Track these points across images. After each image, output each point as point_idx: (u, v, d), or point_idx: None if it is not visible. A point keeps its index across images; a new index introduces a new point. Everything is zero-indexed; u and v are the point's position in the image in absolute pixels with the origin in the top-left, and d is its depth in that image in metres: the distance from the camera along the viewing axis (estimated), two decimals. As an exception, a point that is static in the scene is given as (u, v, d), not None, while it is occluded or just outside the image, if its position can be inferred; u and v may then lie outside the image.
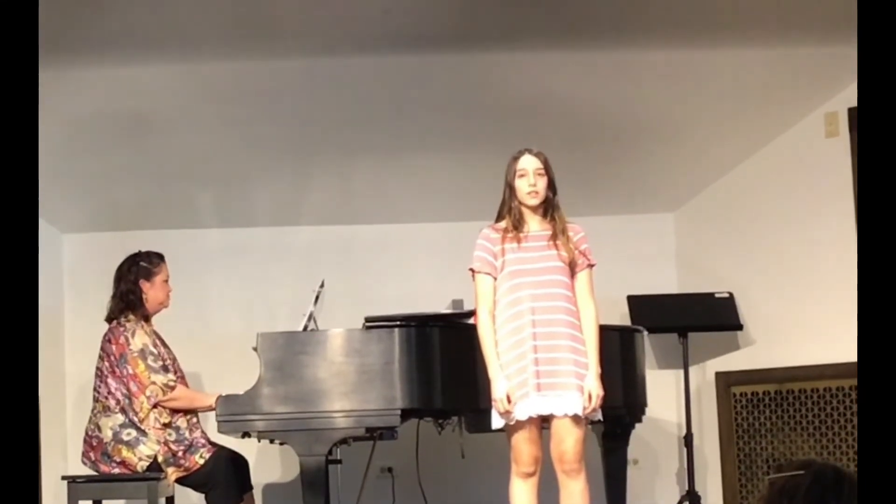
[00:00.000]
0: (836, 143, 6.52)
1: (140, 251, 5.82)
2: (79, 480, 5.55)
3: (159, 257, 5.81)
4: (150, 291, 5.73)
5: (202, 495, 5.64)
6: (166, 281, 5.79)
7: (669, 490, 6.92)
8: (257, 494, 6.13)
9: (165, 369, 5.60)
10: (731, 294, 6.80)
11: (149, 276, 5.74)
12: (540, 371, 4.73)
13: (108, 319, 5.71)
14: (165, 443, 5.51)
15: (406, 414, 5.23)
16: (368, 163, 6.80)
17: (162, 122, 6.34)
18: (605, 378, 4.85)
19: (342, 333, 5.25)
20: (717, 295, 6.80)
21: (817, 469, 2.37)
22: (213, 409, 5.31)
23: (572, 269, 4.88)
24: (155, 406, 5.52)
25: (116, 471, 5.51)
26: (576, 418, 4.76)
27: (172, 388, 5.56)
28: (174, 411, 5.57)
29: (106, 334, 5.67)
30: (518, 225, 4.90)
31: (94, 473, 5.58)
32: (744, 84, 6.36)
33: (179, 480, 5.57)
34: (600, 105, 6.42)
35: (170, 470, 5.50)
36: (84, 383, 6.21)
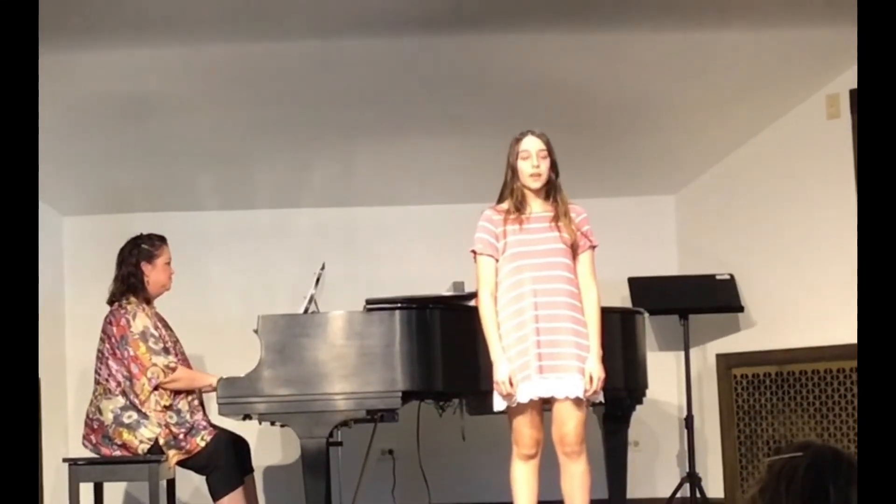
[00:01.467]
0: (837, 125, 6.50)
1: (141, 234, 5.82)
2: (80, 463, 5.56)
3: (161, 240, 5.81)
4: (152, 274, 5.73)
5: (203, 477, 5.64)
6: (168, 263, 5.79)
7: (670, 472, 6.93)
8: (258, 477, 6.14)
9: (166, 351, 5.60)
10: (731, 276, 6.80)
11: (150, 258, 5.74)
12: (542, 353, 4.73)
13: (110, 302, 5.72)
14: (166, 425, 5.51)
15: (407, 396, 5.23)
16: (369, 145, 6.80)
17: (162, 105, 6.33)
18: (605, 360, 4.85)
19: (343, 316, 5.25)
20: (717, 277, 6.80)
21: (815, 451, 2.36)
22: (214, 389, 5.31)
23: (574, 250, 4.87)
24: (156, 388, 5.53)
25: (117, 453, 5.52)
26: (577, 401, 4.76)
27: (173, 370, 5.56)
28: (175, 394, 5.58)
29: (107, 317, 5.67)
30: (520, 206, 4.88)
31: (96, 456, 5.59)
32: (745, 66, 6.34)
33: (180, 463, 5.57)
34: (601, 87, 6.41)
35: (171, 452, 5.51)
36: (85, 366, 6.21)
